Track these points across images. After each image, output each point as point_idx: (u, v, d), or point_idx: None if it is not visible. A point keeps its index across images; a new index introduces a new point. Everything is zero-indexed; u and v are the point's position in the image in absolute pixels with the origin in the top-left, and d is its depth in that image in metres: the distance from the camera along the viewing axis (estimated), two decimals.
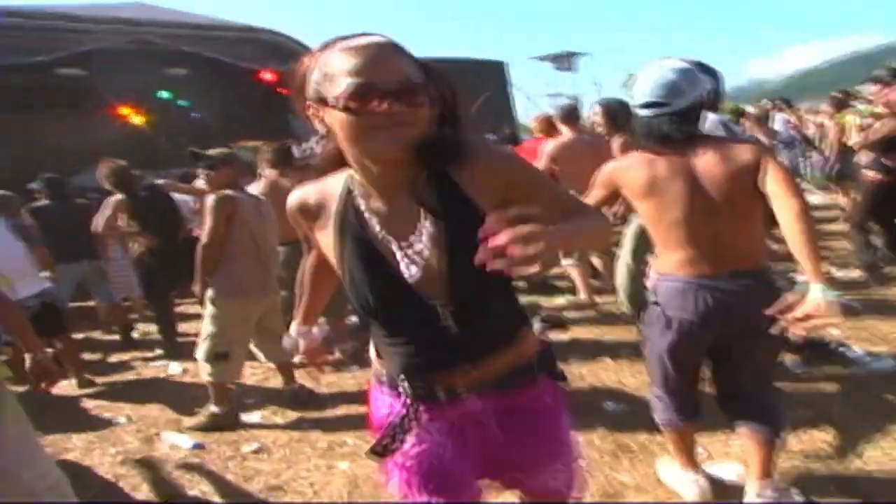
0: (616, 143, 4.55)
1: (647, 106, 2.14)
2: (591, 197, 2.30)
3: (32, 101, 10.60)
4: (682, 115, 2.09)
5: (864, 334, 4.00)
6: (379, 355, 1.43)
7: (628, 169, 2.20)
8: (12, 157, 8.82)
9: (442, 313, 1.24)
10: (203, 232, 3.59)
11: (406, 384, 1.33)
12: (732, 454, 2.76)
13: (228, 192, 3.61)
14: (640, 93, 2.16)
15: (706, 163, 2.06)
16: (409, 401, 1.34)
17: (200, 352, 3.64)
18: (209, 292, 3.61)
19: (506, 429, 1.37)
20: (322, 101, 1.13)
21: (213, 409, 3.67)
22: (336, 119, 1.11)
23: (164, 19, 11.47)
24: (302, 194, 1.35)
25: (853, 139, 5.77)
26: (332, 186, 1.30)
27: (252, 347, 3.95)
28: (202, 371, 3.65)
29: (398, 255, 1.23)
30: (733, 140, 2.12)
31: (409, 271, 1.23)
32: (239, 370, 3.75)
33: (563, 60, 16.20)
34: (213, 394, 3.68)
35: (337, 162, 1.27)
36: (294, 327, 1.74)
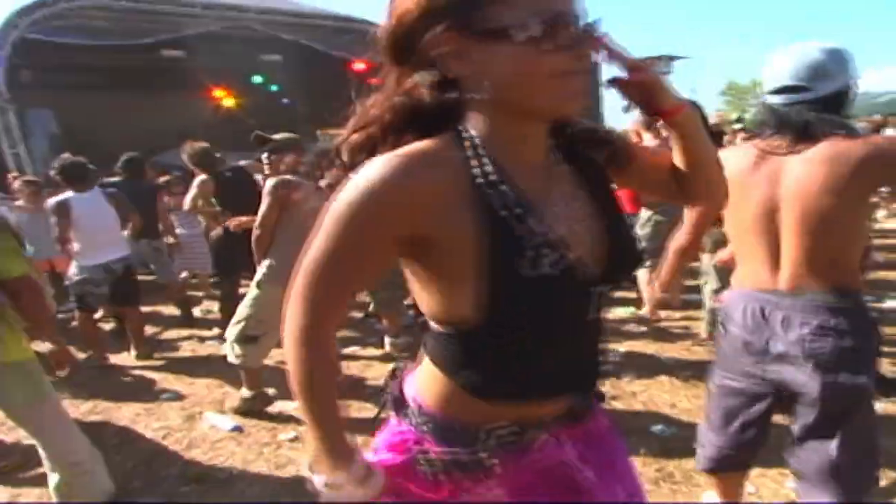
0: None
1: (781, 91, 1.77)
2: None
3: (135, 80, 11.19)
4: (826, 103, 1.73)
5: None
6: (443, 399, 1.02)
7: (726, 160, 1.93)
8: (112, 133, 9.34)
9: (593, 301, 0.98)
10: (258, 215, 3.60)
11: (497, 429, 1.00)
12: (783, 495, 2.50)
13: (287, 177, 3.60)
14: (774, 75, 1.79)
15: (809, 170, 1.71)
16: (484, 455, 1.00)
17: (231, 333, 3.61)
18: (257, 275, 3.61)
19: (593, 468, 1.07)
20: (483, 31, 0.83)
21: (244, 392, 3.69)
22: (504, 57, 0.84)
23: (264, 6, 11.83)
24: (403, 177, 0.86)
25: None
26: (442, 158, 0.89)
27: None
28: (229, 353, 3.63)
29: (549, 230, 0.92)
30: (855, 137, 1.71)
31: (565, 250, 0.92)
32: (265, 354, 3.70)
33: (660, 63, 15.59)
34: (243, 377, 3.68)
35: (432, 120, 0.92)
36: (326, 478, 1.00)
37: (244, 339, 3.56)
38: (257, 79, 12.14)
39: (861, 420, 1.76)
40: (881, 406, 3.10)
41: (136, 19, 9.81)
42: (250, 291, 3.64)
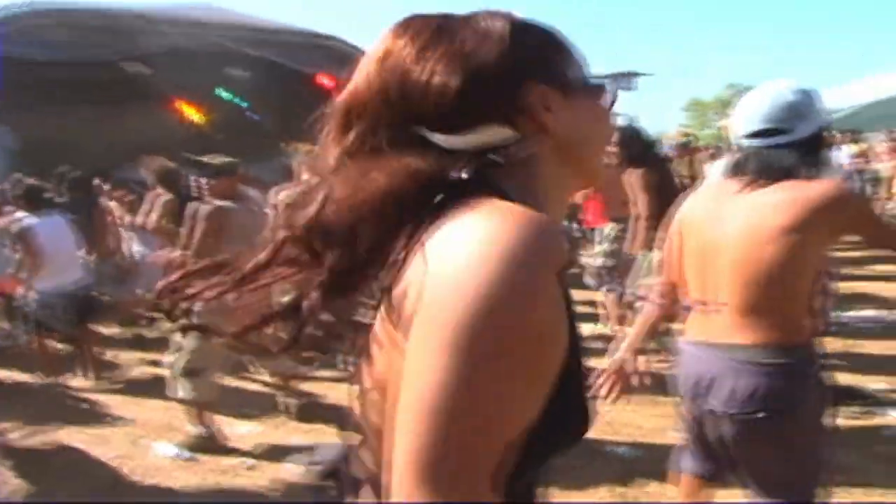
0: (633, 176, 4.09)
1: (758, 134, 1.72)
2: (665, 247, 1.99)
3: (97, 96, 11.01)
4: (806, 145, 1.69)
5: None
6: None
7: (692, 200, 1.90)
8: (73, 149, 9.16)
9: None
10: (193, 242, 3.48)
11: None
12: None
13: (223, 203, 3.49)
14: (750, 118, 1.74)
15: (761, 213, 1.66)
16: None
17: (174, 367, 3.47)
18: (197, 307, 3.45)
19: None
20: (570, 85, 0.76)
21: (189, 429, 3.54)
22: (585, 112, 0.78)
23: (231, 21, 11.75)
24: (558, 244, 0.61)
25: None
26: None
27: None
28: (176, 388, 3.47)
29: None
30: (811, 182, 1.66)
31: None
32: (213, 388, 3.56)
33: (624, 80, 15.82)
34: (192, 414, 3.53)
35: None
36: None
37: (187, 372, 3.42)
38: (224, 94, 12.04)
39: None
40: (842, 421, 3.09)
41: (98, 35, 9.67)
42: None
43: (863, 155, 9.31)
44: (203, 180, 3.69)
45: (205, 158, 3.74)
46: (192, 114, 11.82)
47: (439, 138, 0.72)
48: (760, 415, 1.64)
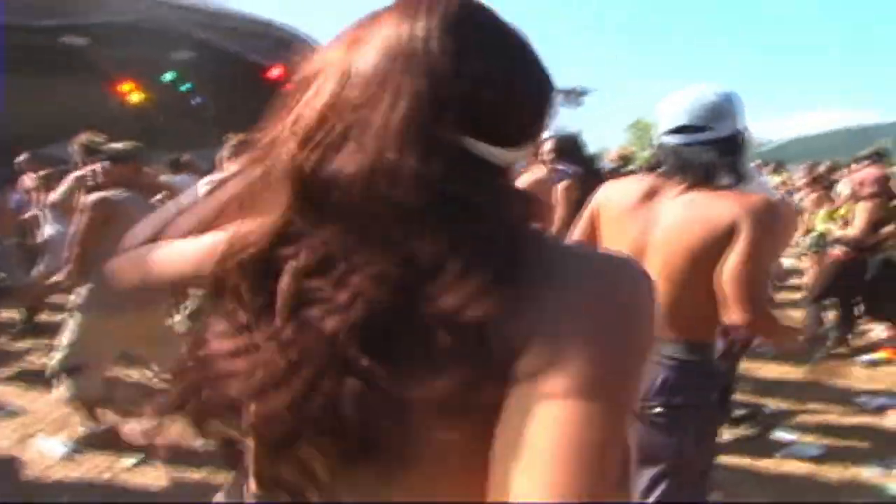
0: (559, 187, 3.86)
1: (679, 131, 1.73)
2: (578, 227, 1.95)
3: (34, 64, 10.54)
4: (724, 144, 1.70)
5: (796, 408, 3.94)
6: None
7: (611, 192, 1.88)
8: (3, 120, 8.72)
9: None
10: (77, 233, 3.29)
11: None
12: None
13: (112, 193, 3.29)
14: (671, 115, 1.75)
15: (680, 216, 1.68)
16: None
17: (54, 360, 3.29)
18: (78, 299, 3.30)
19: None
20: None
21: (84, 428, 3.40)
22: None
23: (179, 2, 11.45)
24: None
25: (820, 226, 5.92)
26: None
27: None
28: (55, 384, 3.30)
29: None
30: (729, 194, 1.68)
31: None
32: (96, 389, 3.35)
33: (572, 96, 16.15)
34: (81, 414, 3.39)
35: None
36: None
37: (67, 369, 3.24)
38: (168, 76, 11.70)
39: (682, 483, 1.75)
40: (749, 461, 3.27)
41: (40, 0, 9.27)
42: (73, 315, 3.33)
43: (784, 185, 9.93)
44: (97, 166, 3.43)
45: (102, 143, 3.52)
46: (133, 94, 11.42)
47: (495, 152, 0.62)
48: (661, 409, 1.71)
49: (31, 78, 10.54)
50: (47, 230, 5.47)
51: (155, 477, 3.07)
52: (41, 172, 6.14)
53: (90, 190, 3.39)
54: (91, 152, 3.52)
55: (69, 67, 10.62)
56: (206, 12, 11.77)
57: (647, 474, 1.75)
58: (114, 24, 9.53)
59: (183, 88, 12.13)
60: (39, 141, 8.18)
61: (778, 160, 11.51)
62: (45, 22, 8.99)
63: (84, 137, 4.92)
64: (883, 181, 4.96)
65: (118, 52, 9.92)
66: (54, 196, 4.89)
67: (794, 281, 7.70)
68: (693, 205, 1.68)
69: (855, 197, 5.08)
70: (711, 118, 1.70)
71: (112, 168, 3.38)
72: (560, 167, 3.86)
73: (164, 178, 5.52)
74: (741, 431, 3.54)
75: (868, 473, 3.16)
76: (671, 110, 1.76)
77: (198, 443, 0.75)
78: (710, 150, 1.69)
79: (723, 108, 1.71)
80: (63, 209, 4.79)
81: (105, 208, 3.21)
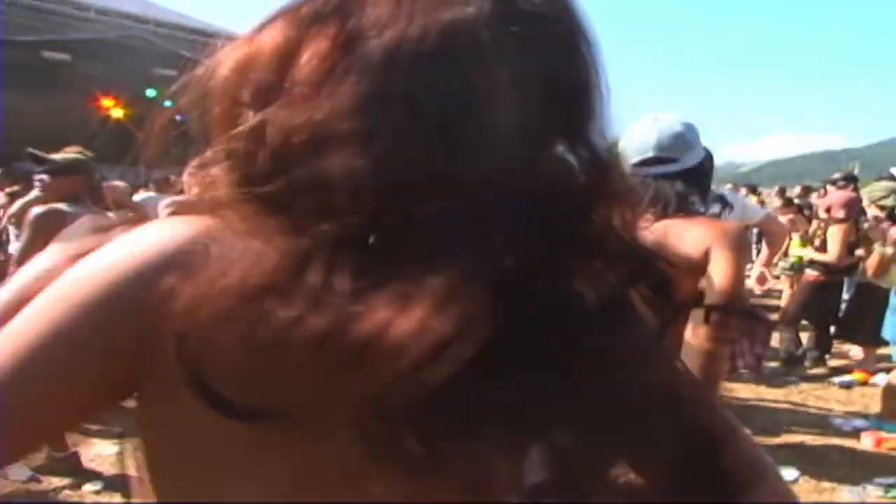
0: None
1: (647, 163, 1.74)
2: None
3: (13, 79, 10.49)
4: (692, 174, 1.74)
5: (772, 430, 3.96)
6: None
7: None
8: None
9: None
10: (19, 249, 3.17)
11: None
12: None
13: (58, 206, 3.08)
14: (638, 147, 1.76)
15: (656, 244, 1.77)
16: None
17: None
18: None
19: None
20: None
21: (48, 452, 3.19)
22: None
23: (163, 19, 11.47)
24: None
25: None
26: None
27: None
28: None
29: None
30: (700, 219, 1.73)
31: None
32: None
33: None
34: None
35: None
36: None
37: None
38: (150, 92, 11.67)
39: None
40: None
41: (21, 15, 9.24)
42: None
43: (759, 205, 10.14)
44: (44, 177, 3.23)
45: (54, 155, 3.27)
46: (115, 109, 11.37)
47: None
48: None
49: (12, 92, 10.48)
50: (13, 246, 5.34)
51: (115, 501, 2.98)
52: (7, 189, 5.99)
53: (38, 204, 3.24)
54: (38, 163, 3.28)
55: (51, 82, 10.57)
56: (191, 29, 11.80)
57: None
58: (98, 40, 9.52)
59: (165, 105, 12.10)
60: (18, 156, 8.08)
61: (751, 184, 11.74)
62: (27, 37, 8.95)
63: (70, 153, 4.89)
64: (853, 204, 5.09)
65: (100, 68, 9.89)
66: (12, 210, 4.77)
67: (770, 302, 7.81)
68: (668, 231, 1.69)
69: (827, 220, 5.19)
70: (679, 149, 1.74)
71: (51, 181, 3.18)
72: None
73: (140, 196, 5.51)
74: None
75: (844, 496, 3.19)
76: (639, 141, 1.77)
77: None
78: (679, 182, 1.73)
79: (688, 139, 1.76)
80: (21, 223, 4.80)
81: (45, 222, 2.99)
